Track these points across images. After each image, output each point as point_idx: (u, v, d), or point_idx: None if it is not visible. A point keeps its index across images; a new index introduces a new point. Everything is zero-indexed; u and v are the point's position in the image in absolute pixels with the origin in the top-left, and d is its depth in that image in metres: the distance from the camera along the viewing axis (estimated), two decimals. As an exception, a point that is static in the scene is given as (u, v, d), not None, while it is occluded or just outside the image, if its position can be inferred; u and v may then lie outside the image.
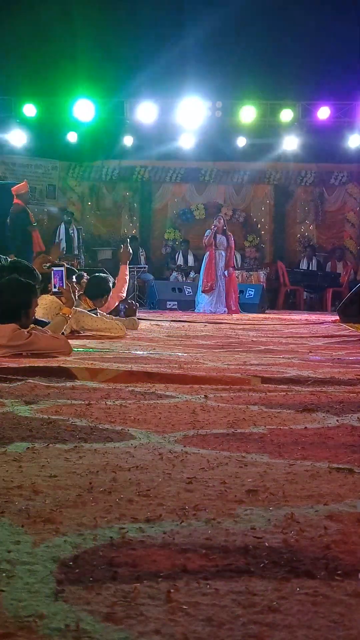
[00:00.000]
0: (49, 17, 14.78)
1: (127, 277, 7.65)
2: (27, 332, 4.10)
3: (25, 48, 14.71)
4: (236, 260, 17.16)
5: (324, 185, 18.13)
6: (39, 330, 4.31)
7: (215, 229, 13.30)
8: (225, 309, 13.07)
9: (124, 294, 7.65)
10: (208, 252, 13.41)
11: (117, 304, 7.47)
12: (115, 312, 7.40)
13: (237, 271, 15.88)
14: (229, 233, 13.70)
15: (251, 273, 16.07)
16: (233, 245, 13.72)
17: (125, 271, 7.58)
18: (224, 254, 13.30)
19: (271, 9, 15.04)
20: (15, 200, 11.39)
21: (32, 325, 4.31)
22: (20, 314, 4.23)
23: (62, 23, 14.86)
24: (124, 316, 7.38)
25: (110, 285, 6.95)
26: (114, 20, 15.47)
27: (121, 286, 7.41)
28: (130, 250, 7.86)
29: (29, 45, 14.72)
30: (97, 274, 7.08)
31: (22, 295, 4.28)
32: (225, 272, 13.26)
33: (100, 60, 15.10)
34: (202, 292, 13.50)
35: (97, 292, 6.69)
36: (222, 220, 13.61)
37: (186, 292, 14.57)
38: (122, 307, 7.65)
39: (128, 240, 9.48)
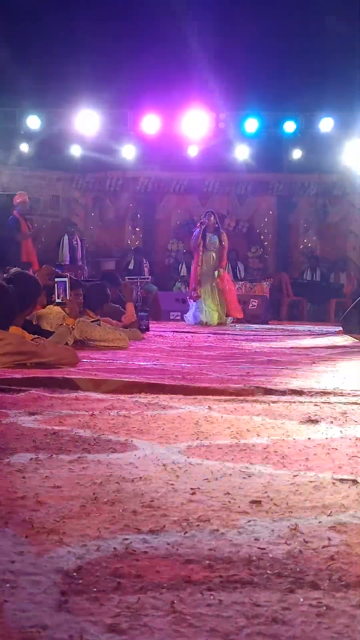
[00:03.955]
0: (53, 29, 14.86)
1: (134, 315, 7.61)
2: (34, 340, 4.09)
3: (28, 60, 14.79)
4: (239, 271, 17.13)
5: (327, 197, 18.15)
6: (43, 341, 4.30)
7: (203, 227, 11.49)
8: (219, 319, 11.58)
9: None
10: (194, 256, 11.68)
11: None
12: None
13: (240, 282, 15.75)
14: (222, 231, 11.84)
15: (254, 284, 16.02)
16: (226, 245, 11.73)
17: (132, 309, 7.62)
18: (215, 255, 11.49)
19: (274, 21, 15.11)
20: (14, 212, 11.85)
21: (35, 337, 4.30)
22: (29, 305, 4.21)
23: (66, 35, 14.95)
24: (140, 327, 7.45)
25: (108, 291, 6.97)
26: (118, 32, 15.55)
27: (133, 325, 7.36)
28: (132, 287, 7.99)
29: (32, 57, 14.80)
30: (92, 284, 7.12)
31: (31, 287, 4.29)
32: (216, 273, 11.45)
33: (104, 71, 15.17)
34: (189, 299, 12.21)
35: (96, 302, 6.70)
36: (212, 217, 11.66)
37: (190, 302, 14.55)
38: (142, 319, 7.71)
39: (127, 278, 9.65)
